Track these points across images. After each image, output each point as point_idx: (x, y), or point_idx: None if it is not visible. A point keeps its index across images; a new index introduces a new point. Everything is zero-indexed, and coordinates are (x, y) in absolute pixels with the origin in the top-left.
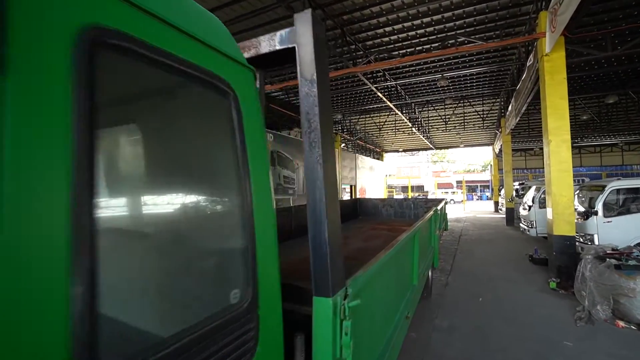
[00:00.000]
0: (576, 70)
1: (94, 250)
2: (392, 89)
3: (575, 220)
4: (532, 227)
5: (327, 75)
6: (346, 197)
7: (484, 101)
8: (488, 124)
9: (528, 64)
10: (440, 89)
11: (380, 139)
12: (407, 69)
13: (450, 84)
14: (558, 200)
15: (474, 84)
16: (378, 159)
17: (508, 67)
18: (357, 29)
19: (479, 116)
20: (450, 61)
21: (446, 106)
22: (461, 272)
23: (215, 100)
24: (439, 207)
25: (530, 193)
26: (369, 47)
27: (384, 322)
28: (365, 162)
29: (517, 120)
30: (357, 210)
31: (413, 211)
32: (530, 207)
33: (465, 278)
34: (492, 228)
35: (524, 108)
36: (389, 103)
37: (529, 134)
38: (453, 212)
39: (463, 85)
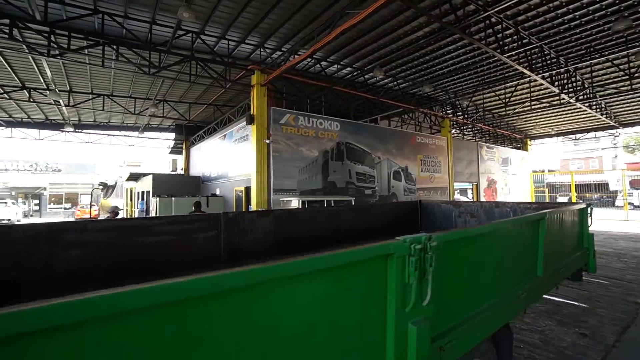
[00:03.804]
0: None
1: None
2: (508, 32)
3: None
4: None
5: None
6: (461, 199)
7: None
8: None
9: None
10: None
11: (514, 119)
12: None
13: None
14: None
15: None
16: (520, 148)
17: None
18: None
19: None
20: None
21: (628, 47)
22: None
23: None
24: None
25: None
26: None
27: None
28: (494, 152)
29: None
30: (419, 219)
31: None
32: None
33: None
34: None
35: None
36: (496, 54)
37: None
38: None
39: None
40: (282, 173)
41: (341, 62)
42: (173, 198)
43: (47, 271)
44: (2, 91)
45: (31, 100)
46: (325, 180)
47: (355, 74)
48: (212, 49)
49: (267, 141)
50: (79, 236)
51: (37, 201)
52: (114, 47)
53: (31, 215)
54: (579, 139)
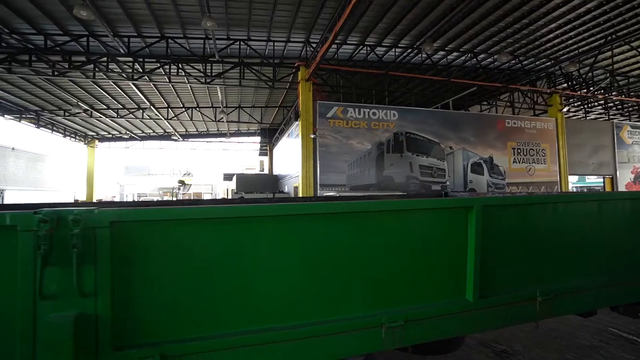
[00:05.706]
0: None
1: None
2: None
3: None
4: None
5: None
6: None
7: None
8: None
9: None
10: None
11: None
12: None
13: None
14: None
15: None
16: None
17: None
18: None
19: None
20: None
21: None
22: None
23: None
24: None
25: None
26: None
27: None
28: None
29: None
30: None
31: None
32: None
33: None
34: None
35: None
36: None
37: None
38: None
39: None
40: (330, 168)
41: (399, 45)
42: (243, 194)
43: None
44: (128, 112)
45: (147, 117)
46: (381, 174)
47: (423, 56)
48: (262, 53)
49: (312, 136)
50: None
51: (174, 198)
52: (177, 64)
53: None
54: None
